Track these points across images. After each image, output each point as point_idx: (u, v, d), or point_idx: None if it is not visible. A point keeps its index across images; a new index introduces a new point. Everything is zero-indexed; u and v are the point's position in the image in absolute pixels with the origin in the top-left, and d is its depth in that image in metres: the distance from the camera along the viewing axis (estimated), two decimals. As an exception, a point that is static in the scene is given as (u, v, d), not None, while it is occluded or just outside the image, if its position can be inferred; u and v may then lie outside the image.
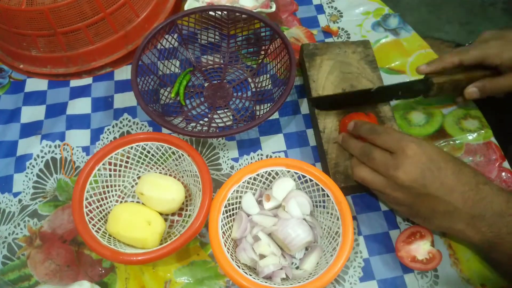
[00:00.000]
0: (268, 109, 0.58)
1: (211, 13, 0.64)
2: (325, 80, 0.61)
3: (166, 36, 0.65)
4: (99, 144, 0.61)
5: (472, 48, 0.54)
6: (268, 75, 0.65)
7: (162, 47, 0.65)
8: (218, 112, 0.63)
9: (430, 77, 0.55)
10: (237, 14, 0.63)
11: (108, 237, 0.50)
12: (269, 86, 0.65)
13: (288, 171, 0.52)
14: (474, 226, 0.44)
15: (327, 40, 0.70)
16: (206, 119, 0.62)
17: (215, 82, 0.66)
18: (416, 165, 0.44)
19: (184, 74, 0.65)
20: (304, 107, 0.64)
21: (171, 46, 0.66)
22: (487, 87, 0.54)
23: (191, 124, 0.61)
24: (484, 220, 0.44)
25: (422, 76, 0.58)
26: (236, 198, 0.52)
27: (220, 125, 0.62)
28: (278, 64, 0.63)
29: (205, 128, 0.61)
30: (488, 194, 0.44)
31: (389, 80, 0.65)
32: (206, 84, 0.66)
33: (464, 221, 0.45)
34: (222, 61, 0.68)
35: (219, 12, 0.63)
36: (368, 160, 0.48)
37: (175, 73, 0.66)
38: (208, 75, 0.67)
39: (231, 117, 0.62)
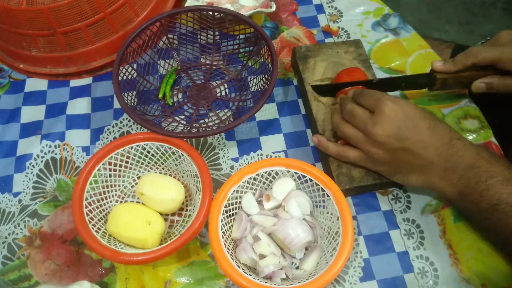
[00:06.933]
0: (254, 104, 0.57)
1: (197, 13, 0.63)
2: (320, 82, 0.61)
3: (152, 37, 0.64)
4: (99, 144, 0.61)
5: (486, 50, 0.54)
6: (253, 76, 0.65)
7: (148, 48, 0.65)
8: (201, 112, 0.63)
9: (434, 72, 0.56)
10: (222, 15, 0.63)
11: (108, 237, 0.50)
12: (255, 87, 0.64)
13: (288, 171, 0.52)
14: (446, 178, 0.47)
15: (327, 40, 0.70)
16: (191, 118, 0.62)
17: (199, 82, 0.66)
18: (393, 121, 0.47)
19: (169, 74, 0.65)
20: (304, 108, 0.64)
21: (157, 46, 0.66)
22: (494, 85, 0.55)
23: (179, 126, 0.61)
24: (455, 173, 0.47)
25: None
26: (236, 198, 0.52)
27: (209, 124, 0.61)
28: (263, 61, 0.62)
29: (194, 130, 0.60)
30: (460, 148, 0.47)
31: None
32: (190, 84, 0.66)
33: (438, 174, 0.48)
34: (207, 62, 0.68)
35: (204, 12, 0.63)
36: (350, 117, 0.51)
37: (161, 74, 0.66)
38: (193, 75, 0.67)
39: (214, 118, 0.62)
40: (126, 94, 0.58)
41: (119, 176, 0.56)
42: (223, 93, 0.65)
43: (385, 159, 0.49)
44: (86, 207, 0.50)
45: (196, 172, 0.52)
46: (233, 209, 0.52)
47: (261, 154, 0.60)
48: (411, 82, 0.59)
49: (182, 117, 0.62)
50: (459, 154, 0.47)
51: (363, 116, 0.49)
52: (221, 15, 0.63)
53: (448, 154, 0.47)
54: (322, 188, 0.50)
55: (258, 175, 0.52)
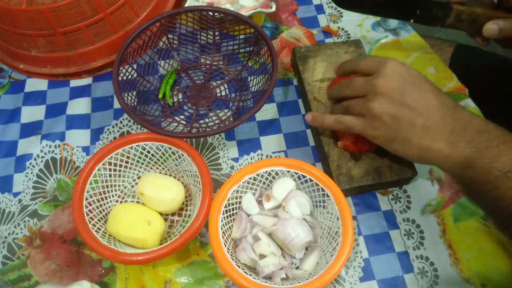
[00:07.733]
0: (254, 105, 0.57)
1: (197, 13, 0.63)
2: (320, 82, 0.61)
3: (152, 37, 0.64)
4: (99, 144, 0.61)
5: None
6: (253, 77, 0.65)
7: (148, 48, 0.65)
8: (201, 112, 0.63)
9: (450, 3, 0.54)
10: (222, 15, 0.63)
11: (108, 237, 0.50)
12: (255, 87, 0.64)
13: (288, 171, 0.52)
14: (452, 142, 0.44)
15: (327, 40, 0.70)
16: (191, 118, 0.62)
17: (199, 82, 0.66)
18: (397, 76, 0.46)
19: (169, 74, 0.65)
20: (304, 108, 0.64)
21: (157, 46, 0.66)
22: (508, 26, 0.52)
23: (179, 126, 0.61)
24: (464, 136, 0.44)
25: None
26: (236, 198, 0.52)
27: (209, 124, 0.61)
28: (263, 61, 0.62)
29: (194, 130, 0.60)
30: (466, 115, 0.45)
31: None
32: (190, 84, 0.66)
33: (443, 138, 0.44)
34: (207, 62, 0.68)
35: (204, 13, 0.63)
36: (348, 85, 0.51)
37: (161, 74, 0.66)
38: (193, 75, 0.67)
39: (214, 118, 0.62)
40: (126, 94, 0.58)
41: (119, 176, 0.56)
42: (223, 93, 0.65)
43: (386, 117, 0.46)
44: (86, 207, 0.50)
45: (196, 172, 0.52)
46: (233, 209, 0.52)
47: (261, 154, 0.60)
48: (425, 9, 0.56)
49: (182, 117, 0.62)
50: (466, 119, 0.44)
51: (364, 79, 0.48)
52: (221, 15, 0.63)
53: (454, 117, 0.45)
54: (322, 188, 0.50)
55: (258, 175, 0.52)
